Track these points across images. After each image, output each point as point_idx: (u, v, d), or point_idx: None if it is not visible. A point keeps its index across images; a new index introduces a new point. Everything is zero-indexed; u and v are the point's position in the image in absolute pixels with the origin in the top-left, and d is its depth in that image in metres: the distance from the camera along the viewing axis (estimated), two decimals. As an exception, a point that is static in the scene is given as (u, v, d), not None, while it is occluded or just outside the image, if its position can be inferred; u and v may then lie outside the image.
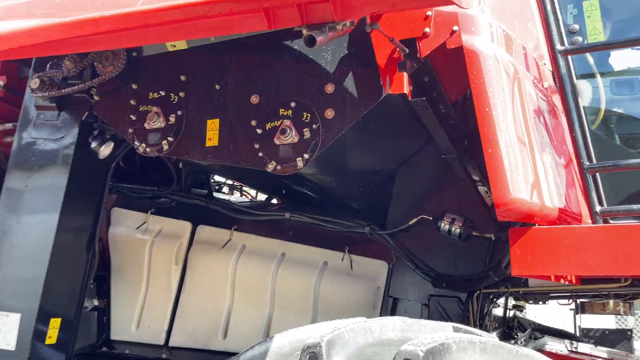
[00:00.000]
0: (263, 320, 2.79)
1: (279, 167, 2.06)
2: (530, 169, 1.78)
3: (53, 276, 2.46)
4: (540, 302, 2.90)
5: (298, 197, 3.12)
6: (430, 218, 2.50)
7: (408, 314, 2.58)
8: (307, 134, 2.04)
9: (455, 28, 1.86)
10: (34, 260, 2.45)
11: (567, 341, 3.28)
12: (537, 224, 1.77)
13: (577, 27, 2.38)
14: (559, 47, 1.85)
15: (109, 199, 3.37)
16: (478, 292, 2.40)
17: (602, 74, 2.35)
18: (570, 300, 4.15)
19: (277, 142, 2.08)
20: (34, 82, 2.52)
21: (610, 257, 1.63)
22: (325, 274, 2.73)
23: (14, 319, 2.44)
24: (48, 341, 2.50)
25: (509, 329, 2.98)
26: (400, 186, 2.68)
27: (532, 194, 1.75)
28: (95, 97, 2.48)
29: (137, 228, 3.14)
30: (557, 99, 2.12)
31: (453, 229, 2.41)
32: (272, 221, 2.86)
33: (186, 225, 3.06)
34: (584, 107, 2.26)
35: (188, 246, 3.04)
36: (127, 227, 3.18)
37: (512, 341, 2.76)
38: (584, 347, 3.25)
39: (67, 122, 2.57)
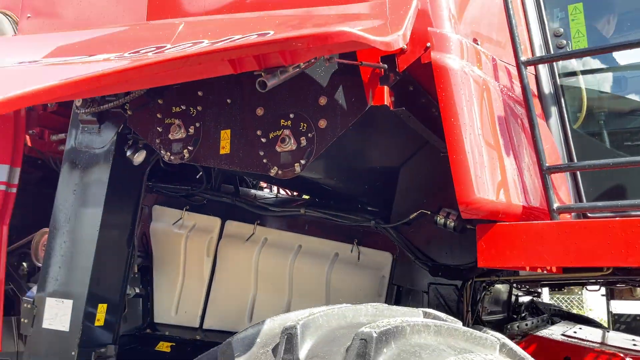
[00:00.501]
0: (283, 306, 3.10)
1: (280, 172, 2.34)
2: (496, 170, 1.97)
3: (98, 267, 2.86)
4: (532, 290, 3.04)
5: (316, 193, 3.39)
6: (429, 212, 2.71)
7: (410, 300, 2.82)
8: (303, 142, 2.30)
9: (429, 44, 2.06)
10: (82, 254, 2.85)
11: (578, 326, 3.38)
12: (501, 221, 1.96)
13: (561, 30, 2.52)
14: (522, 58, 2.00)
15: (151, 198, 3.78)
16: (471, 280, 2.60)
17: (585, 72, 2.47)
18: (599, 287, 4.21)
19: (278, 149, 2.35)
20: (78, 100, 2.91)
21: (563, 250, 1.80)
22: (336, 264, 2.99)
23: (68, 304, 2.86)
24: (97, 323, 2.90)
25: (515, 314, 3.14)
26: (403, 183, 2.89)
27: (498, 194, 1.94)
28: (129, 112, 2.84)
29: (174, 224, 3.51)
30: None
31: (448, 222, 2.60)
32: (290, 216, 3.16)
33: (216, 221, 3.40)
34: (566, 105, 2.43)
35: (218, 239, 3.38)
36: (165, 222, 3.57)
37: (516, 324, 2.93)
38: (596, 334, 3.33)
39: (106, 133, 2.95)
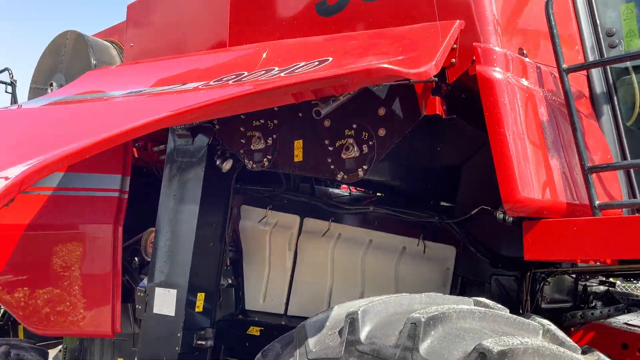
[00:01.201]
0: (356, 296, 3.39)
1: (345, 177, 2.64)
2: (541, 171, 2.14)
3: (196, 261, 3.30)
4: (590, 279, 3.09)
5: (386, 191, 3.66)
6: (489, 208, 2.89)
7: (474, 291, 3.01)
8: (365, 149, 2.58)
9: (474, 58, 2.26)
10: (183, 249, 3.32)
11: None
12: (546, 217, 2.13)
13: (614, 29, 2.60)
14: (563, 66, 2.15)
15: (240, 199, 4.22)
16: (529, 271, 2.76)
17: (638, 69, 2.53)
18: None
19: (343, 156, 2.65)
20: (174, 117, 3.37)
21: (602, 244, 1.95)
22: (403, 257, 3.25)
23: (173, 293, 3.34)
24: (197, 309, 3.36)
25: (583, 303, 3.22)
26: (465, 180, 3.09)
27: (542, 192, 2.12)
28: (217, 126, 3.26)
29: (259, 221, 3.91)
30: (580, 104, 2.41)
31: (506, 217, 2.77)
32: (360, 213, 3.45)
33: (295, 218, 3.76)
34: (619, 103, 2.52)
35: (298, 235, 3.74)
36: (252, 220, 3.98)
37: (579, 313, 3.03)
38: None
39: (199, 145, 3.39)
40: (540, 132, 2.19)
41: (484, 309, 1.96)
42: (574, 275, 2.79)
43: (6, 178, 1.63)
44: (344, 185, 4.68)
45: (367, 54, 2.13)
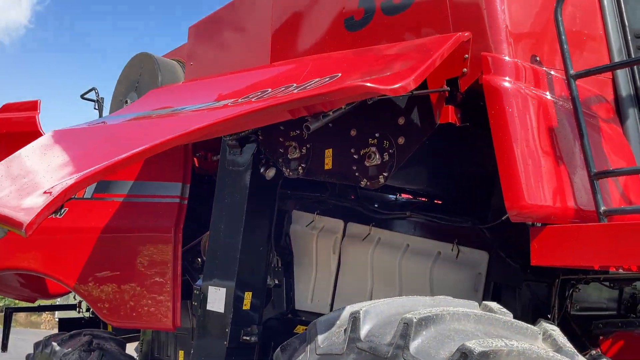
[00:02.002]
0: (395, 298, 3.49)
1: (368, 183, 2.77)
2: (547, 177, 2.15)
3: (243, 262, 3.55)
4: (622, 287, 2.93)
5: (427, 196, 3.72)
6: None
7: (506, 296, 3.01)
8: (386, 157, 2.70)
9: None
10: (231, 251, 3.59)
11: None
12: (553, 223, 2.14)
13: (643, 30, 2.53)
14: (571, 72, 2.14)
15: (292, 204, 4.44)
16: (558, 278, 2.72)
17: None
18: None
19: (366, 164, 2.78)
20: (225, 129, 3.66)
21: (606, 250, 1.94)
22: (438, 261, 3.30)
23: (223, 291, 3.62)
24: (244, 307, 3.61)
25: (630, 312, 3.08)
26: (499, 185, 3.09)
27: (549, 199, 2.13)
28: (260, 137, 3.50)
29: (307, 225, 4.11)
30: (601, 109, 2.37)
31: (537, 224, 2.76)
32: (398, 218, 3.54)
33: (340, 223, 3.92)
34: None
35: (342, 239, 3.90)
36: (301, 224, 4.18)
37: (611, 321, 2.91)
38: None
39: (246, 154, 3.64)
40: (549, 139, 2.19)
41: (480, 312, 2.01)
42: (606, 283, 2.71)
43: (50, 193, 1.94)
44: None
45: (370, 69, 2.25)
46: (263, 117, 2.29)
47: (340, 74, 2.28)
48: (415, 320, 1.89)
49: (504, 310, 2.12)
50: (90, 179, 1.99)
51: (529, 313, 2.87)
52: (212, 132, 2.50)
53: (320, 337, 2.22)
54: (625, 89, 2.47)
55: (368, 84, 1.78)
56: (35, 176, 2.42)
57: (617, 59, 2.50)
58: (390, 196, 4.34)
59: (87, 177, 1.93)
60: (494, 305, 2.16)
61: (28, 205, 2.02)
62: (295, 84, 2.45)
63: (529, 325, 1.98)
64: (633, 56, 2.49)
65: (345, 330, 2.14)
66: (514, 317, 2.76)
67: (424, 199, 4.05)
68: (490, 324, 1.97)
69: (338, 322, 2.25)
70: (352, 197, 3.90)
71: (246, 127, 2.86)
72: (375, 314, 2.09)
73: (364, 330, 2.04)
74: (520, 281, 2.93)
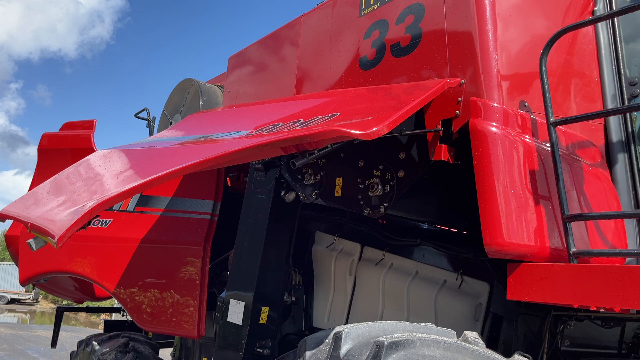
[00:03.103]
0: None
1: (370, 212, 2.96)
2: (526, 217, 2.28)
3: (262, 278, 3.80)
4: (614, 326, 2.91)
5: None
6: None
7: (505, 327, 3.09)
8: (387, 188, 2.89)
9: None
10: (251, 268, 3.85)
11: None
12: (529, 261, 2.26)
13: (637, 79, 2.62)
14: (551, 119, 2.27)
15: (316, 225, 4.67)
16: (549, 314, 2.79)
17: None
18: None
19: (370, 194, 2.97)
20: (251, 155, 3.95)
21: (576, 290, 2.04)
22: (443, 289, 3.42)
23: (241, 305, 3.88)
24: (260, 321, 3.86)
25: (632, 351, 3.07)
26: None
27: (526, 238, 2.26)
28: (282, 162, 3.77)
29: (327, 247, 4.33)
30: (588, 154, 2.47)
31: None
32: (410, 245, 3.70)
33: (357, 246, 4.11)
34: (636, 152, 2.54)
35: (358, 261, 4.08)
36: (322, 245, 4.40)
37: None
38: None
39: (269, 178, 3.92)
40: (530, 181, 2.32)
41: (451, 340, 2.16)
42: (597, 322, 2.75)
43: (82, 209, 2.27)
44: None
45: (363, 110, 2.46)
46: (260, 152, 2.55)
47: (339, 113, 2.51)
48: (386, 343, 2.07)
49: (478, 340, 2.25)
50: (113, 200, 2.30)
51: (524, 345, 2.95)
52: (220, 163, 2.77)
53: (308, 354, 2.42)
54: (616, 135, 2.56)
55: (343, 129, 1.99)
56: (74, 193, 2.78)
57: (610, 106, 2.59)
58: (410, 222, 4.50)
59: (110, 199, 2.24)
60: (470, 335, 2.29)
61: (62, 220, 2.36)
62: (302, 120, 2.69)
63: (499, 356, 2.11)
64: (627, 103, 2.58)
65: (329, 348, 2.33)
66: (510, 349, 2.89)
67: (438, 227, 4.18)
68: (458, 352, 2.11)
69: (325, 340, 2.44)
70: (370, 223, 4.08)
71: (249, 159, 3.13)
72: (356, 335, 2.28)
73: (343, 350, 2.23)
74: (517, 314, 3.02)
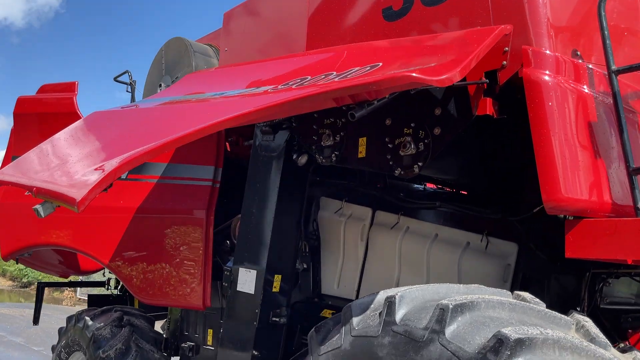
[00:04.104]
0: (422, 286, 3.54)
1: (402, 172, 2.81)
2: (585, 171, 2.18)
3: (273, 245, 3.65)
4: None
5: (456, 187, 3.75)
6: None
7: (533, 288, 3.04)
8: (421, 147, 2.74)
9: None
10: (263, 235, 3.67)
11: None
12: (589, 217, 2.17)
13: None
14: (613, 67, 2.16)
15: (319, 190, 4.51)
16: (588, 272, 2.75)
17: None
18: None
19: (401, 153, 2.82)
20: (258, 116, 3.73)
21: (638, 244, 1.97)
22: (467, 252, 3.34)
23: (253, 273, 3.72)
24: (274, 290, 3.71)
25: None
26: (532, 178, 3.11)
27: (586, 193, 2.16)
28: (294, 124, 3.56)
29: (335, 212, 4.17)
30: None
31: (568, 216, 2.78)
32: (428, 208, 3.58)
33: (368, 211, 3.97)
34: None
35: (369, 227, 3.95)
36: (329, 211, 4.24)
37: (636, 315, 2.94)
38: None
39: (278, 141, 3.71)
40: (587, 133, 2.22)
41: (514, 300, 2.06)
42: (637, 278, 2.73)
43: (102, 170, 2.03)
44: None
45: (411, 59, 2.29)
46: (306, 104, 2.35)
47: (381, 64, 2.32)
48: (451, 306, 1.95)
49: (537, 300, 2.16)
50: (140, 158, 2.07)
51: (556, 305, 2.90)
52: (257, 118, 2.57)
53: (355, 320, 2.29)
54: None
55: (415, 74, 1.83)
56: (83, 155, 2.52)
57: (657, 56, 2.50)
58: (417, 186, 4.39)
59: (137, 157, 2.01)
60: (526, 295, 2.21)
61: (80, 181, 2.12)
62: (335, 72, 2.50)
63: (562, 315, 2.03)
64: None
65: (380, 313, 2.20)
66: (543, 308, 2.82)
67: (449, 189, 4.08)
68: (524, 312, 2.02)
69: (373, 305, 2.32)
70: (380, 186, 3.95)
71: (289, 113, 2.93)
72: (410, 299, 2.16)
73: (399, 314, 2.11)
74: (549, 273, 2.97)
